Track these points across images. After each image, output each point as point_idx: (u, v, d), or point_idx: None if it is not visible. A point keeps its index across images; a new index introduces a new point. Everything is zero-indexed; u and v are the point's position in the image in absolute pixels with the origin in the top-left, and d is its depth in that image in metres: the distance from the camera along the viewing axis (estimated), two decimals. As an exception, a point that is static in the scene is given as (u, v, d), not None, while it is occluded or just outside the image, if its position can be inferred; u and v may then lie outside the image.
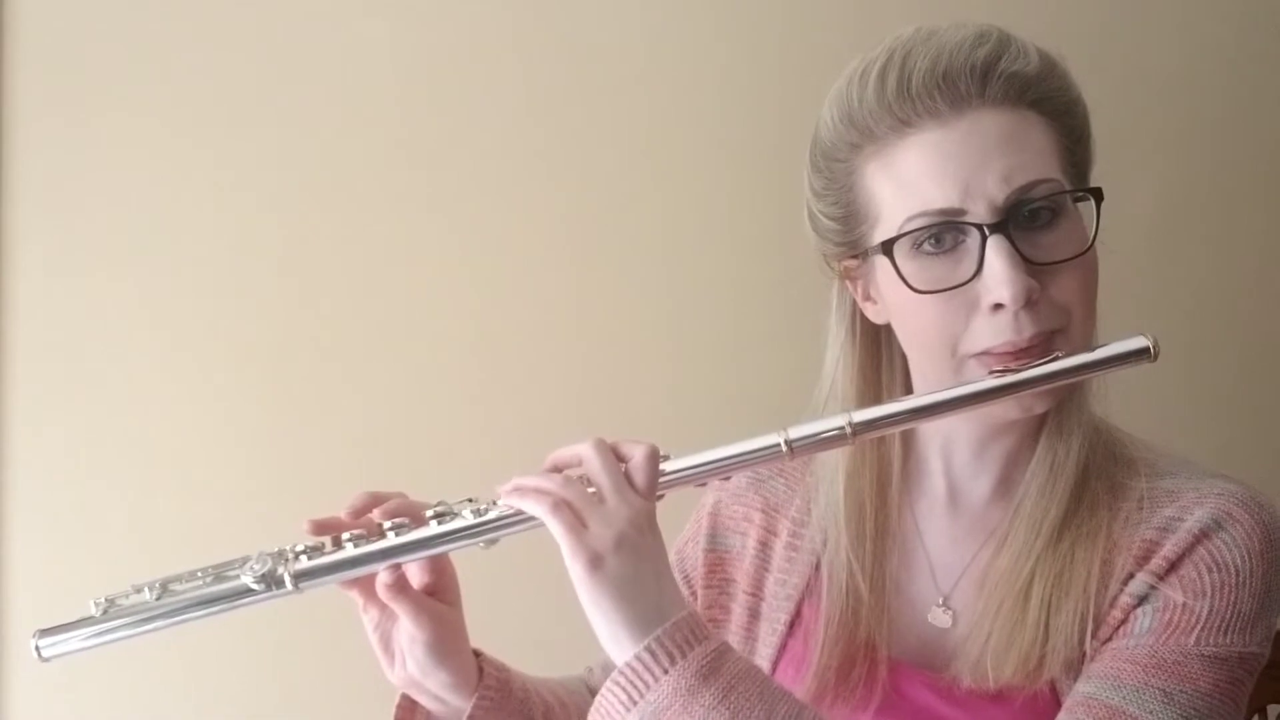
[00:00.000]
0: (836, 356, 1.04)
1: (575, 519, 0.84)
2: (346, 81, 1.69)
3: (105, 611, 0.90)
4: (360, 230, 1.69)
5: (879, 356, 1.04)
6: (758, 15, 1.68)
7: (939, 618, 1.00)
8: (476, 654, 0.99)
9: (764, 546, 1.11)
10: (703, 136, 1.68)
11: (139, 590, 0.91)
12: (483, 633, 1.00)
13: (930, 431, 1.03)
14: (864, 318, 1.02)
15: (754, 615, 1.09)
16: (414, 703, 0.99)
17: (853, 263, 0.99)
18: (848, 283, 1.02)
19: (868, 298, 1.00)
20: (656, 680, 0.82)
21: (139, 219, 1.68)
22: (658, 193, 1.69)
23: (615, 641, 0.84)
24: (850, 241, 0.98)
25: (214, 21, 1.69)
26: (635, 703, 0.83)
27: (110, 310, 1.68)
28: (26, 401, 1.68)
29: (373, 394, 1.69)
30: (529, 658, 1.07)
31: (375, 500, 0.93)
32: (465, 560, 0.99)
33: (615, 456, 0.89)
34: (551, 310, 1.68)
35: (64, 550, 1.67)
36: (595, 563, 0.83)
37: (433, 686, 0.95)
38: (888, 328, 1.01)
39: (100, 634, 0.90)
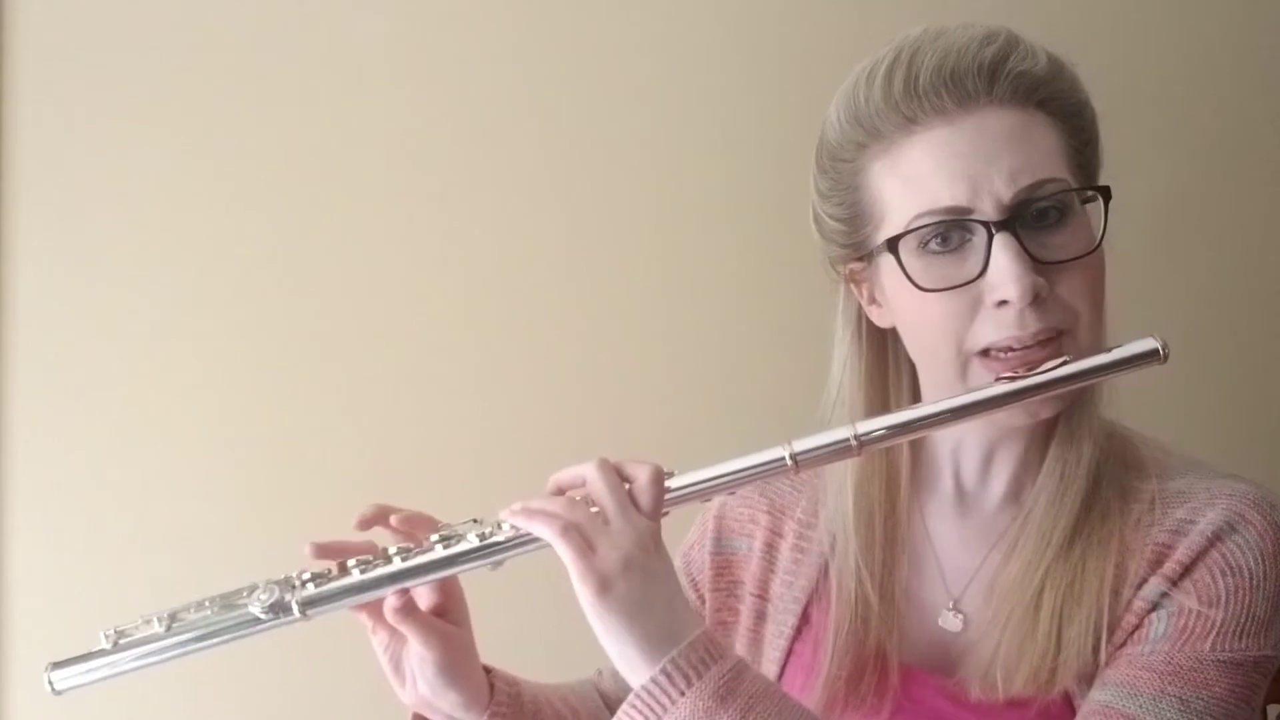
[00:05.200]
0: (843, 361, 1.03)
1: (584, 543, 0.84)
2: (347, 81, 1.67)
3: (116, 644, 0.90)
4: (363, 233, 1.67)
5: (885, 361, 1.03)
6: (759, 16, 1.66)
7: (950, 621, 1.00)
8: (487, 670, 0.99)
9: (770, 548, 1.10)
10: (705, 138, 1.66)
11: (148, 621, 0.91)
12: (492, 649, 1.00)
13: (939, 436, 1.02)
14: (870, 322, 1.01)
15: (760, 617, 1.09)
16: (426, 722, 0.99)
17: (858, 265, 0.99)
18: (853, 286, 1.01)
19: (873, 301, 0.99)
20: (674, 702, 0.82)
21: (139, 220, 1.67)
22: (659, 196, 1.67)
23: (629, 665, 0.84)
24: (856, 243, 0.97)
25: (213, 20, 1.66)
26: None
27: (110, 311, 1.67)
28: (26, 403, 1.67)
29: (374, 399, 1.67)
30: (539, 673, 1.07)
31: (384, 511, 0.92)
32: (473, 579, 0.98)
33: (619, 476, 0.88)
34: (554, 315, 1.66)
35: (64, 552, 1.66)
36: (604, 586, 0.82)
37: (445, 706, 0.95)
38: (894, 332, 1.00)
39: (112, 665, 0.90)
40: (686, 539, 1.17)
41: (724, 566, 1.13)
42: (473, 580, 0.99)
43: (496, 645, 1.01)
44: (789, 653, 1.05)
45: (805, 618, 1.05)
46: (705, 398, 1.64)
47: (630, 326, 1.66)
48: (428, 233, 1.68)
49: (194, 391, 1.67)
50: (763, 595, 1.10)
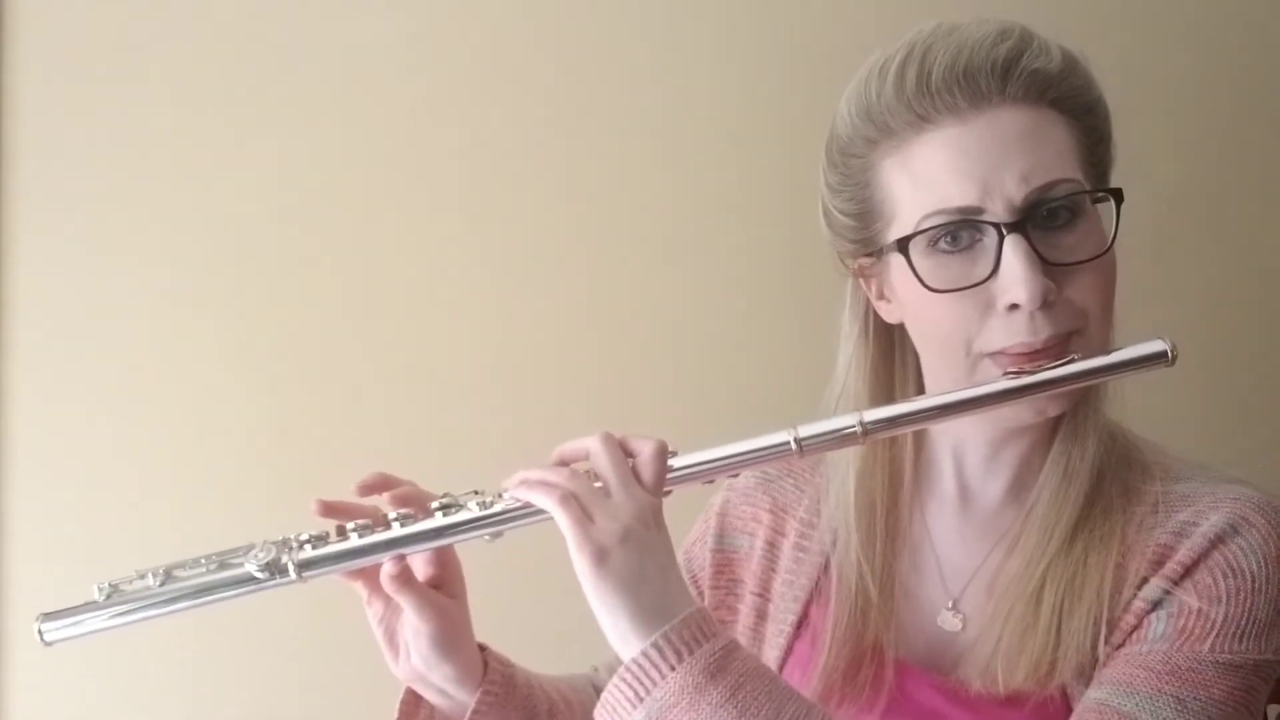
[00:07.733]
0: (849, 356, 1.03)
1: (582, 512, 0.84)
2: (351, 77, 1.68)
3: (109, 596, 0.90)
4: (365, 226, 1.68)
5: (892, 356, 1.03)
6: (771, 10, 1.67)
7: (948, 622, 0.99)
8: (481, 648, 0.98)
9: (771, 547, 1.10)
10: (715, 132, 1.67)
11: (142, 576, 0.91)
12: (488, 627, 1.00)
13: (942, 433, 1.02)
14: (878, 317, 1.02)
15: (761, 616, 1.08)
16: (419, 697, 0.98)
17: (867, 261, 0.99)
18: (861, 281, 1.01)
19: (881, 296, 1.00)
20: (663, 677, 0.82)
21: (140, 214, 1.67)
22: (669, 191, 1.67)
23: (621, 637, 0.84)
24: (865, 239, 0.97)
25: (216, 16, 1.68)
26: (641, 699, 0.82)
27: (111, 306, 1.67)
28: (26, 398, 1.67)
29: (377, 393, 1.67)
30: (535, 652, 1.06)
31: (386, 481, 0.92)
32: (470, 555, 0.98)
33: (623, 451, 0.88)
34: (562, 309, 1.67)
35: (64, 549, 1.65)
36: (601, 557, 0.82)
37: (437, 680, 0.94)
38: (901, 327, 1.00)
39: (104, 619, 0.90)
40: (689, 535, 1.17)
41: (724, 564, 1.13)
42: (469, 561, 0.99)
43: (493, 624, 1.01)
44: (788, 651, 1.05)
45: (805, 616, 1.05)
46: (712, 398, 1.64)
47: (637, 326, 1.66)
48: (433, 232, 1.67)
49: (195, 391, 1.67)
50: (764, 594, 1.09)
